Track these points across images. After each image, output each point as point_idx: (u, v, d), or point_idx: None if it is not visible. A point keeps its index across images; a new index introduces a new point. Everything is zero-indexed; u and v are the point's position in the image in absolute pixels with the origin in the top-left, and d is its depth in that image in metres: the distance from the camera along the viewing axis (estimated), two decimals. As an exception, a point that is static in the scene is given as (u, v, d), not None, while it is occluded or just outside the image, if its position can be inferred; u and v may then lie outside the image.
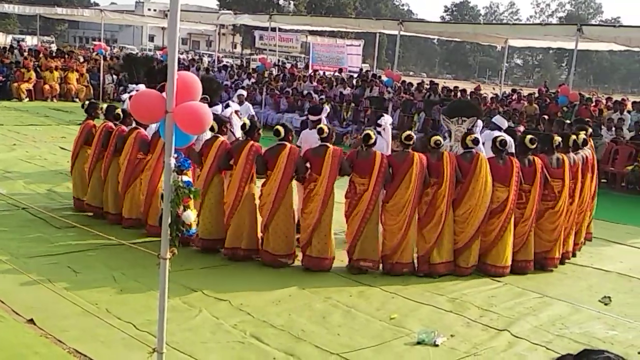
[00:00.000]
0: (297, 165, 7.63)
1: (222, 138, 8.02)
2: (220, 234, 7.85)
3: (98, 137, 9.06)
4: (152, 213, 8.22)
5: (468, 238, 7.84)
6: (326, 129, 7.77)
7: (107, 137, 8.98)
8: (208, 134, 8.10)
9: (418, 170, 7.58)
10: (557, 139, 8.65)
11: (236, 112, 10.52)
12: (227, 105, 10.64)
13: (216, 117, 8.38)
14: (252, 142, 7.83)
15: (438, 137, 8.08)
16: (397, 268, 7.69)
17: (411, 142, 7.82)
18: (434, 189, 7.73)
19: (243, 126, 8.05)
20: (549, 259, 8.41)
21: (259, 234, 7.79)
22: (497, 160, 8.08)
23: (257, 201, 7.79)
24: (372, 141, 7.69)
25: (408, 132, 7.96)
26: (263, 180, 7.78)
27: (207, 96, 10.30)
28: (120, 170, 8.76)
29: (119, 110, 9.35)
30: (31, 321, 5.69)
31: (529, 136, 8.45)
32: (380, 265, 7.77)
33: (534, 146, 8.35)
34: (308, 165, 7.73)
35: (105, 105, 9.90)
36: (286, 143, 7.72)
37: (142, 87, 11.77)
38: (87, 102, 9.98)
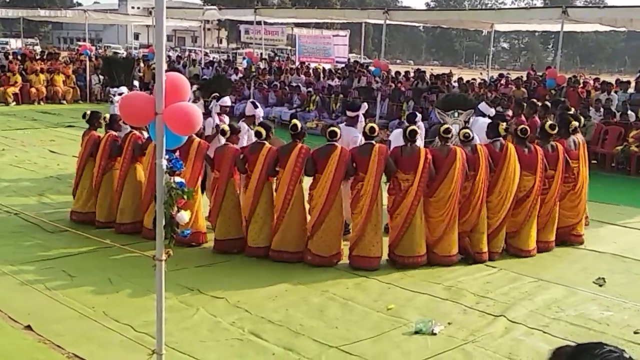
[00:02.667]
0: (346, 166, 7.61)
1: (268, 145, 7.85)
2: (268, 241, 7.77)
3: (104, 148, 8.73)
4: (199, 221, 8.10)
5: (498, 224, 8.06)
6: (377, 128, 7.79)
7: (114, 148, 8.69)
8: (249, 138, 8.02)
9: (461, 164, 7.71)
10: (574, 123, 9.04)
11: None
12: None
13: (263, 123, 8.29)
14: (300, 144, 7.75)
15: (467, 130, 8.25)
16: (439, 259, 7.79)
17: (450, 136, 7.94)
18: (470, 182, 7.87)
19: (293, 127, 7.83)
20: (575, 236, 8.86)
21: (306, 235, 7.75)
22: (522, 148, 8.26)
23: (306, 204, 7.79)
24: (418, 136, 7.78)
25: (447, 126, 8.05)
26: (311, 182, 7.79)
27: (217, 94, 10.23)
28: (138, 179, 8.57)
29: (106, 116, 9.16)
30: (28, 327, 5.68)
31: (549, 122, 8.77)
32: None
33: (554, 131, 8.62)
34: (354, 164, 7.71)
35: (89, 112, 9.43)
36: (336, 144, 7.67)
37: (124, 89, 11.37)
38: (88, 112, 9.41)
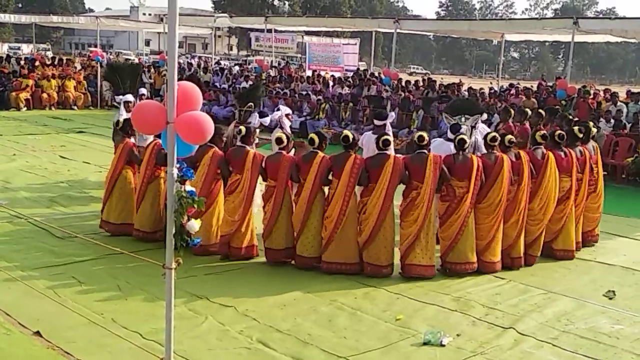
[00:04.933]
0: (401, 175, 7.60)
1: (321, 153, 7.72)
2: (319, 251, 7.70)
3: (149, 156, 8.45)
4: (237, 235, 7.91)
5: (540, 230, 8.35)
6: (426, 137, 7.81)
7: (160, 156, 8.26)
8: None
9: (508, 170, 7.89)
10: (594, 129, 9.62)
11: (287, 115, 10.08)
12: (277, 109, 10.14)
13: (318, 132, 8.19)
14: (354, 154, 7.67)
15: (511, 136, 8.41)
16: (488, 266, 7.91)
17: (496, 144, 8.12)
18: (514, 187, 8.06)
19: (345, 139, 7.71)
20: (593, 236, 9.37)
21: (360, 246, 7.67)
22: (558, 152, 8.56)
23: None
24: (467, 145, 7.96)
25: (493, 134, 8.27)
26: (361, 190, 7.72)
27: (252, 104, 10.19)
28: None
29: (119, 120, 9.02)
30: (37, 333, 5.68)
31: (576, 127, 9.14)
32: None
33: (582, 135, 9.04)
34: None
35: (122, 119, 9.11)
36: (388, 153, 7.69)
37: (129, 97, 11.06)
38: (121, 120, 9.08)
